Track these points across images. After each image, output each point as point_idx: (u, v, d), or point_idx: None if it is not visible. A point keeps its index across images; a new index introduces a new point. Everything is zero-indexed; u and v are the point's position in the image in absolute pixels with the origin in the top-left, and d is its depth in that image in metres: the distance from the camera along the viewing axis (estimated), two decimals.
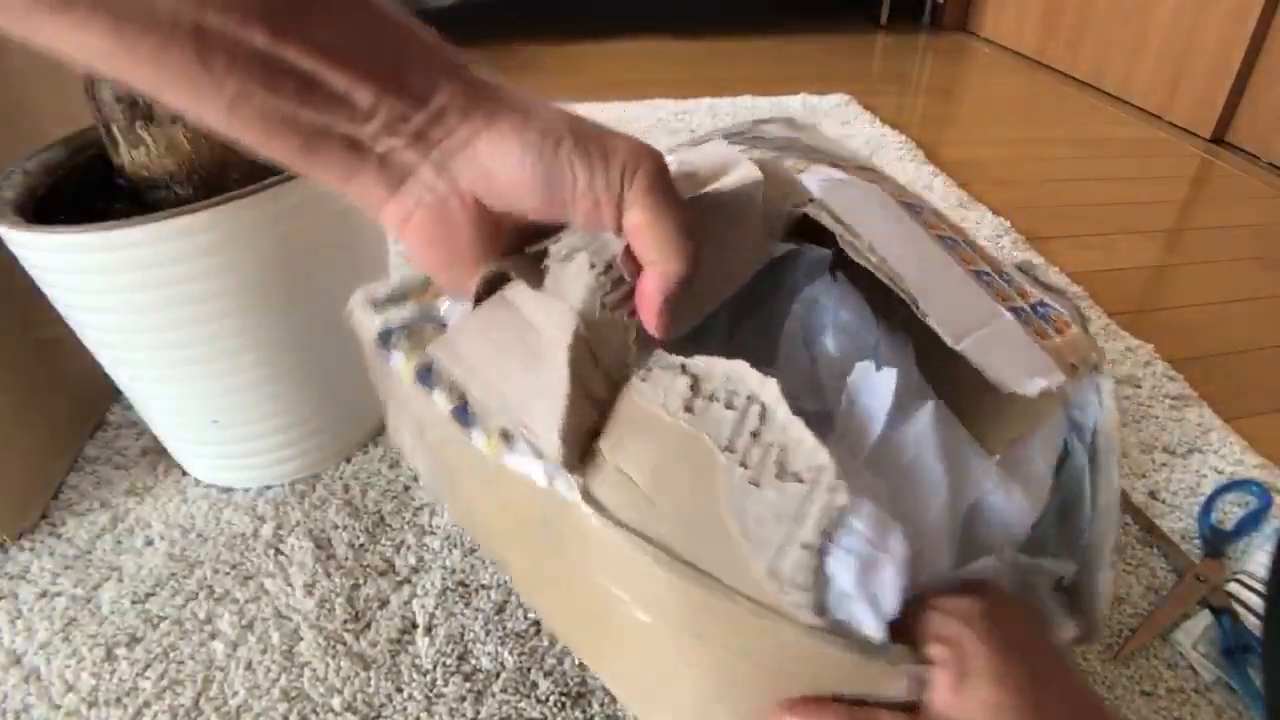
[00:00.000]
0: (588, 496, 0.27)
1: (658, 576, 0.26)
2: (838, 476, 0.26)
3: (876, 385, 0.33)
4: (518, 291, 0.30)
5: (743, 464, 0.26)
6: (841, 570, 0.25)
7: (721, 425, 0.27)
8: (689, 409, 0.28)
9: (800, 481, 0.26)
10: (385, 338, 0.33)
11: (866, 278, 0.34)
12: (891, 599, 0.26)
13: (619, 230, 0.27)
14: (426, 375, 0.31)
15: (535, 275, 0.29)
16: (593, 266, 0.28)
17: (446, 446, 0.32)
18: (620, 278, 0.28)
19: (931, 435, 0.33)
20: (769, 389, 0.27)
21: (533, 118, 0.26)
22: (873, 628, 0.26)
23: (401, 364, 0.32)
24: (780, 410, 0.27)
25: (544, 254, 0.30)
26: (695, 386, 0.28)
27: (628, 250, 0.28)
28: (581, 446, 0.28)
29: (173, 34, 0.22)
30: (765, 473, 0.26)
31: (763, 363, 0.29)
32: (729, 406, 0.27)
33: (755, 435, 0.27)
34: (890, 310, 0.37)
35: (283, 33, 0.23)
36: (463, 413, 0.30)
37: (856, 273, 0.36)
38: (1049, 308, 0.41)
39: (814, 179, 0.38)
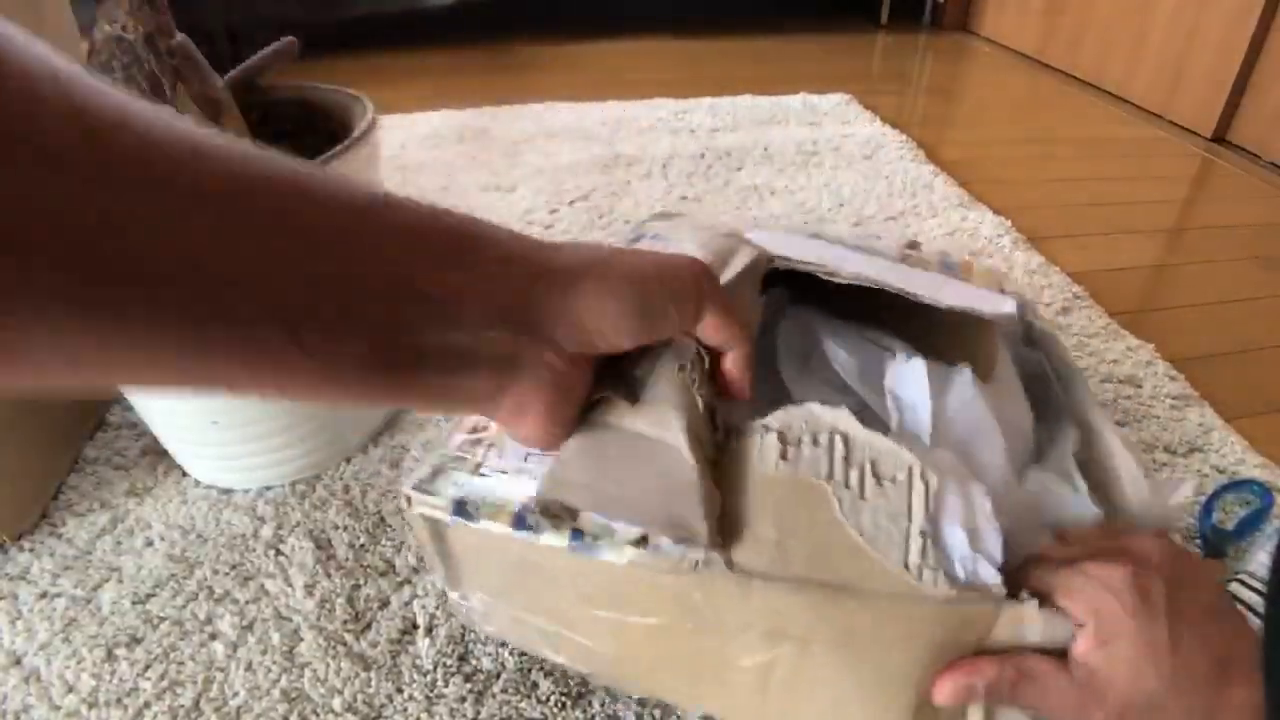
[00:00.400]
0: (734, 565, 0.31)
1: (811, 604, 0.31)
2: (923, 466, 0.32)
3: (909, 376, 0.38)
4: (610, 412, 0.33)
5: (845, 485, 0.32)
6: (955, 541, 0.31)
7: (817, 463, 0.32)
8: (784, 458, 0.33)
9: (895, 482, 0.32)
10: (460, 508, 0.34)
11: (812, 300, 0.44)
12: (997, 549, 0.31)
13: (693, 333, 0.33)
14: (522, 523, 0.33)
15: (632, 393, 0.33)
16: (681, 369, 0.33)
17: (558, 585, 0.35)
18: (697, 372, 0.33)
19: (975, 397, 0.39)
20: (841, 417, 0.34)
21: (607, 271, 0.29)
22: (993, 578, 0.30)
23: (491, 525, 0.34)
24: (857, 431, 0.33)
25: (625, 374, 0.33)
26: (782, 438, 0.33)
27: (704, 346, 0.34)
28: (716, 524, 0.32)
29: (254, 320, 0.22)
30: (866, 486, 0.32)
31: (783, 393, 0.35)
32: (815, 444, 0.33)
33: (846, 459, 0.33)
34: (843, 319, 0.46)
35: (355, 261, 0.24)
36: (579, 540, 0.33)
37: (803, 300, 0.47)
38: (948, 256, 0.50)
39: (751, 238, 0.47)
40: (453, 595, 0.40)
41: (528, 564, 0.35)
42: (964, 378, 0.39)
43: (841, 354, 0.44)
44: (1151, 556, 0.31)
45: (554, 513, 0.33)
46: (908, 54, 1.82)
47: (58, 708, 0.43)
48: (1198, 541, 0.54)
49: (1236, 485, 0.58)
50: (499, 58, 1.68)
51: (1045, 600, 0.31)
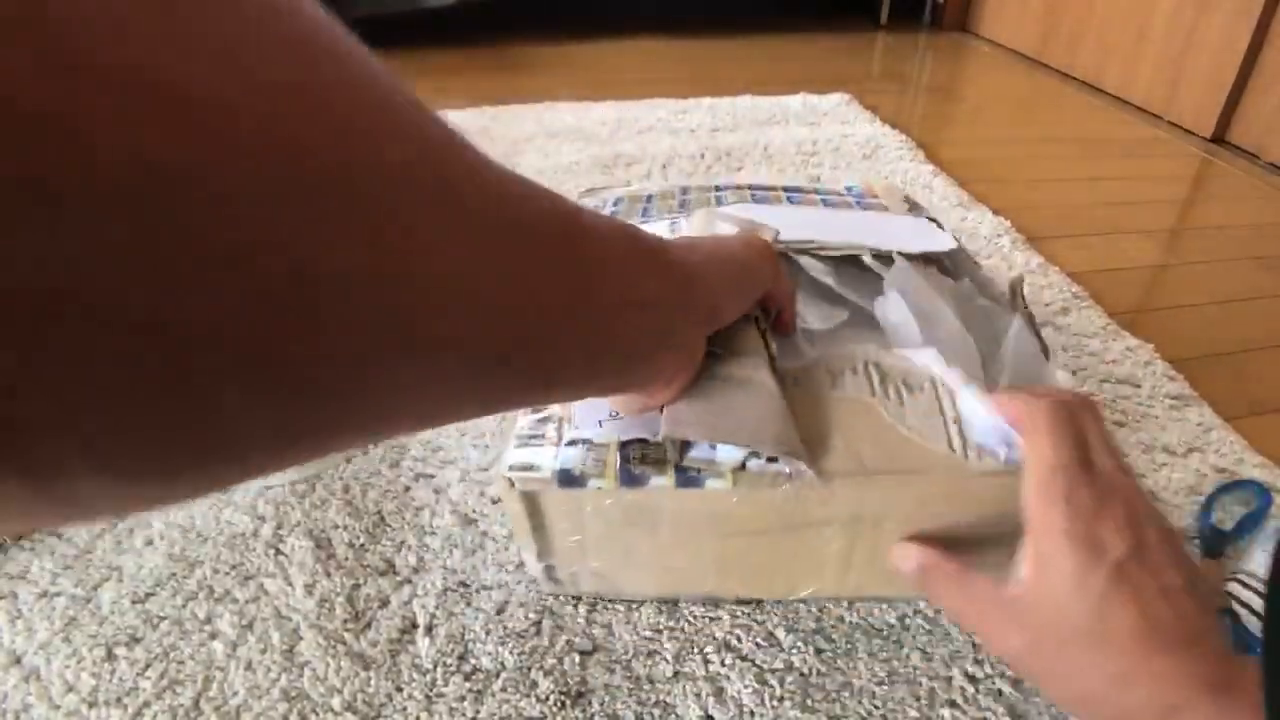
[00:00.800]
0: (825, 473, 0.38)
1: (882, 491, 0.39)
2: (939, 372, 0.42)
3: (893, 306, 0.47)
4: (705, 365, 0.39)
5: (886, 398, 0.41)
6: (981, 426, 0.39)
7: (860, 387, 0.42)
8: (835, 386, 0.42)
9: (923, 390, 0.42)
10: (567, 477, 0.40)
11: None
12: (1005, 426, 0.38)
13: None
14: (630, 478, 0.39)
15: (715, 348, 0.40)
16: (758, 327, 0.42)
17: (658, 525, 0.42)
18: (767, 325, 0.43)
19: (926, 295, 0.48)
20: (870, 350, 0.45)
21: (724, 264, 0.35)
22: (1008, 450, 0.38)
23: (600, 482, 0.39)
24: (884, 358, 0.44)
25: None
26: (830, 371, 0.43)
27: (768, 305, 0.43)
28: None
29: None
30: (903, 397, 0.41)
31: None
32: (854, 373, 0.43)
33: (882, 381, 0.42)
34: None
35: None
36: (685, 476, 0.39)
37: None
38: (864, 200, 0.63)
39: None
40: (536, 567, 0.46)
41: (631, 513, 0.41)
42: (902, 271, 0.50)
43: (814, 261, 0.54)
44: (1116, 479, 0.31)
45: (655, 459, 0.39)
46: (907, 54, 1.82)
47: (57, 707, 0.43)
48: (1196, 541, 0.54)
49: (1235, 485, 0.58)
50: (499, 58, 1.69)
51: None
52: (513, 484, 0.40)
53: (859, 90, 1.43)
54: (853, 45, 1.85)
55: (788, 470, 0.38)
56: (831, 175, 1.09)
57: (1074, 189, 1.12)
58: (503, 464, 0.40)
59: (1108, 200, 1.08)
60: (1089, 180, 1.15)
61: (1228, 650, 0.28)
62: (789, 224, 0.53)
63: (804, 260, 0.52)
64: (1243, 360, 0.75)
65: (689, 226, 0.55)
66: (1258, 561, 0.50)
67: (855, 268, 0.52)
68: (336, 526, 0.54)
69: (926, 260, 0.53)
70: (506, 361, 0.20)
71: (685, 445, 0.40)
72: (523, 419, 0.43)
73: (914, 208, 0.64)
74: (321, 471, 0.58)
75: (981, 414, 0.40)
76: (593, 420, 0.42)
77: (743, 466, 0.39)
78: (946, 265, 0.57)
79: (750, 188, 0.65)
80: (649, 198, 0.65)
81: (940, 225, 0.59)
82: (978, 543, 0.39)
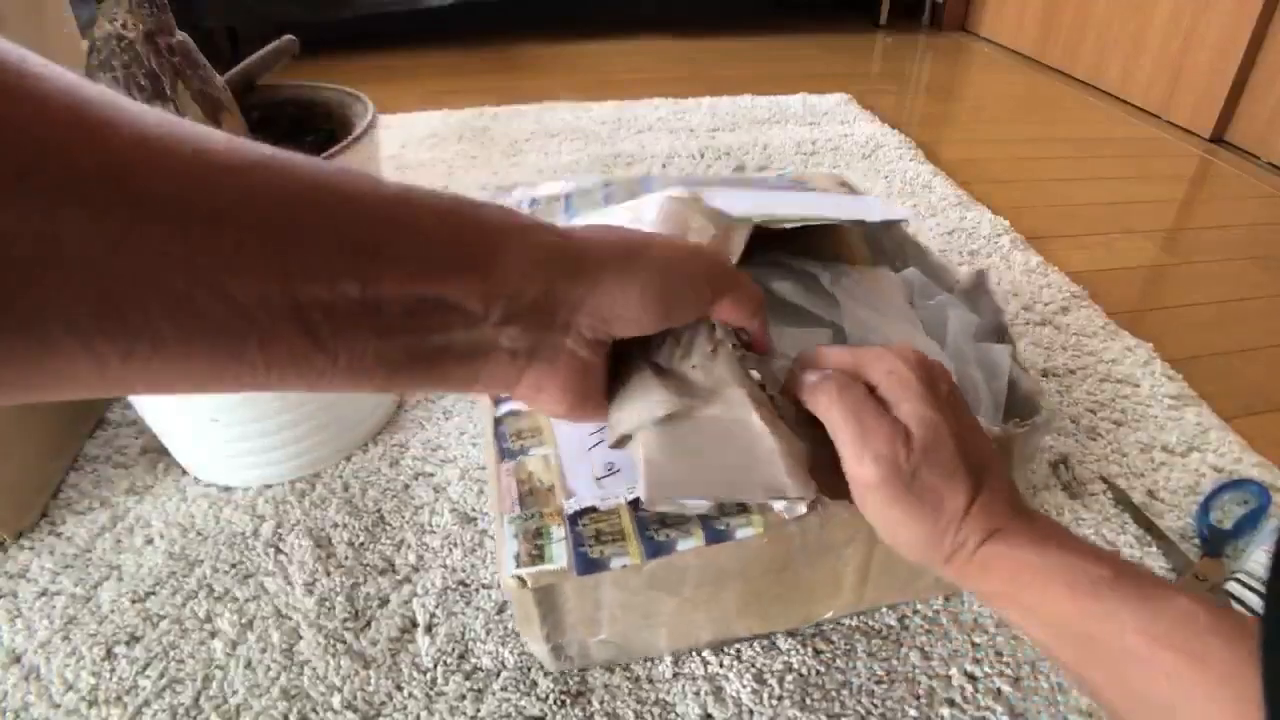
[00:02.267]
0: (823, 501, 0.37)
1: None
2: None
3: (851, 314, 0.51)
4: (681, 404, 0.35)
5: None
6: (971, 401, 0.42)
7: None
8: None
9: None
10: (586, 564, 0.37)
11: None
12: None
13: (710, 315, 0.35)
14: (656, 548, 0.37)
15: (660, 369, 0.35)
16: (735, 348, 0.36)
17: (683, 582, 0.40)
18: (734, 344, 0.37)
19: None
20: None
21: (629, 263, 0.30)
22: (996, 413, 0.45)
23: (625, 559, 0.37)
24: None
25: (654, 351, 0.36)
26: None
27: (723, 324, 0.36)
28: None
29: (274, 325, 0.22)
30: None
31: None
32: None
33: None
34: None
35: (374, 276, 0.23)
36: (714, 532, 0.38)
37: None
38: (783, 174, 0.67)
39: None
40: (542, 649, 0.42)
41: (655, 579, 0.38)
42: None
43: (786, 285, 0.54)
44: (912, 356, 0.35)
45: (677, 519, 0.37)
46: (907, 54, 1.82)
47: (57, 705, 0.43)
48: (1196, 541, 0.54)
49: (1234, 485, 0.58)
50: (499, 58, 1.69)
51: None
52: (524, 582, 0.36)
53: (859, 90, 1.43)
54: (852, 45, 1.85)
55: (809, 500, 0.37)
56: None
57: (1073, 189, 1.12)
58: (506, 561, 0.37)
59: (1107, 200, 1.09)
60: (1088, 180, 1.15)
61: (1009, 479, 0.34)
62: (743, 204, 0.51)
63: (775, 285, 0.51)
64: (1241, 360, 0.75)
65: (638, 214, 0.51)
66: (1256, 561, 0.50)
67: (819, 286, 0.53)
68: (336, 525, 0.54)
69: (878, 256, 0.55)
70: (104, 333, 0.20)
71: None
72: (506, 496, 0.40)
73: (850, 188, 0.66)
74: (321, 470, 0.58)
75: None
76: (587, 481, 0.39)
77: (743, 509, 0.38)
78: (896, 265, 0.58)
79: (682, 183, 0.63)
80: (568, 196, 0.63)
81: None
82: None
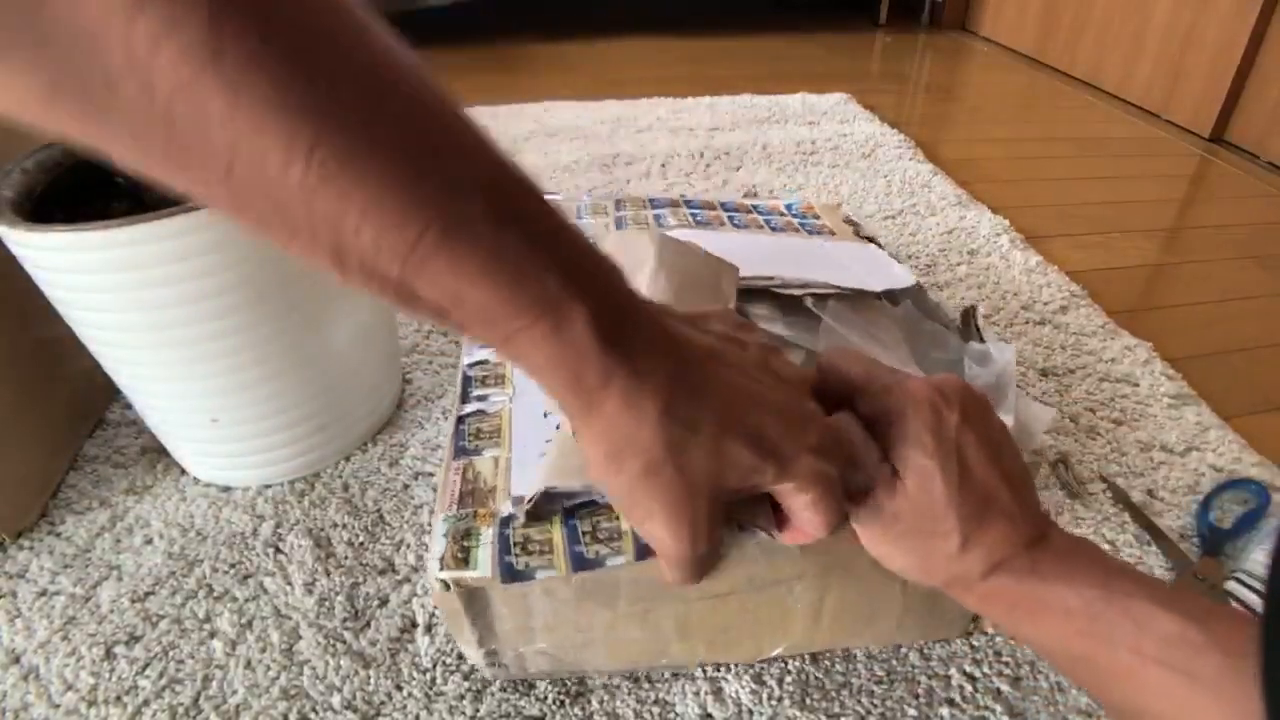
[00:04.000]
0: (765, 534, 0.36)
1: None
2: None
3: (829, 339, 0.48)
4: None
5: None
6: None
7: None
8: None
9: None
10: (511, 573, 0.36)
11: None
12: None
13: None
14: (583, 563, 0.36)
15: None
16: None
17: (616, 599, 0.38)
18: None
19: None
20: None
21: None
22: None
23: (550, 573, 0.35)
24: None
25: None
26: None
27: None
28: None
29: (313, 243, 0.22)
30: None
31: None
32: None
33: None
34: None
35: (415, 274, 0.23)
36: (645, 547, 0.36)
37: None
38: (806, 220, 0.63)
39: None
40: (475, 655, 0.41)
41: (584, 592, 0.37)
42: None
43: (763, 309, 0.51)
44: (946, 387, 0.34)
45: (607, 535, 0.36)
46: (906, 53, 1.82)
47: (56, 706, 0.43)
48: (1195, 540, 0.54)
49: (1234, 484, 0.58)
50: (499, 58, 1.68)
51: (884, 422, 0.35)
52: (448, 586, 0.36)
53: (858, 90, 1.43)
54: (852, 45, 1.85)
55: (762, 534, 0.36)
56: (831, 175, 1.09)
57: (1073, 188, 1.12)
58: (432, 563, 0.36)
59: (1106, 199, 1.09)
60: (1088, 179, 1.15)
61: (1041, 507, 0.33)
62: (744, 257, 0.50)
63: (752, 309, 0.49)
64: (1241, 359, 0.75)
65: (624, 246, 0.49)
66: (1255, 560, 0.50)
67: (802, 311, 0.51)
68: (336, 525, 0.54)
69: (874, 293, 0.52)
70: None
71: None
72: (447, 494, 0.39)
73: (856, 227, 0.64)
74: (321, 469, 0.58)
75: None
76: (527, 478, 0.38)
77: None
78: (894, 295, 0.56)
79: (687, 203, 0.63)
80: (578, 209, 0.62)
81: (880, 245, 0.59)
82: None
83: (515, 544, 0.36)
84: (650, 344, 0.27)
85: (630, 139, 1.20)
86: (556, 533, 0.36)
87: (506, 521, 0.37)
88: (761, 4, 2.18)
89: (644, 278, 0.44)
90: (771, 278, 0.50)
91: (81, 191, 0.50)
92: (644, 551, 0.36)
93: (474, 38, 1.76)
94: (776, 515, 0.34)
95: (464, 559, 0.36)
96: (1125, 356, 0.73)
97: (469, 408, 0.46)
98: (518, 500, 0.37)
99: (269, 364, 0.51)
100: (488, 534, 0.37)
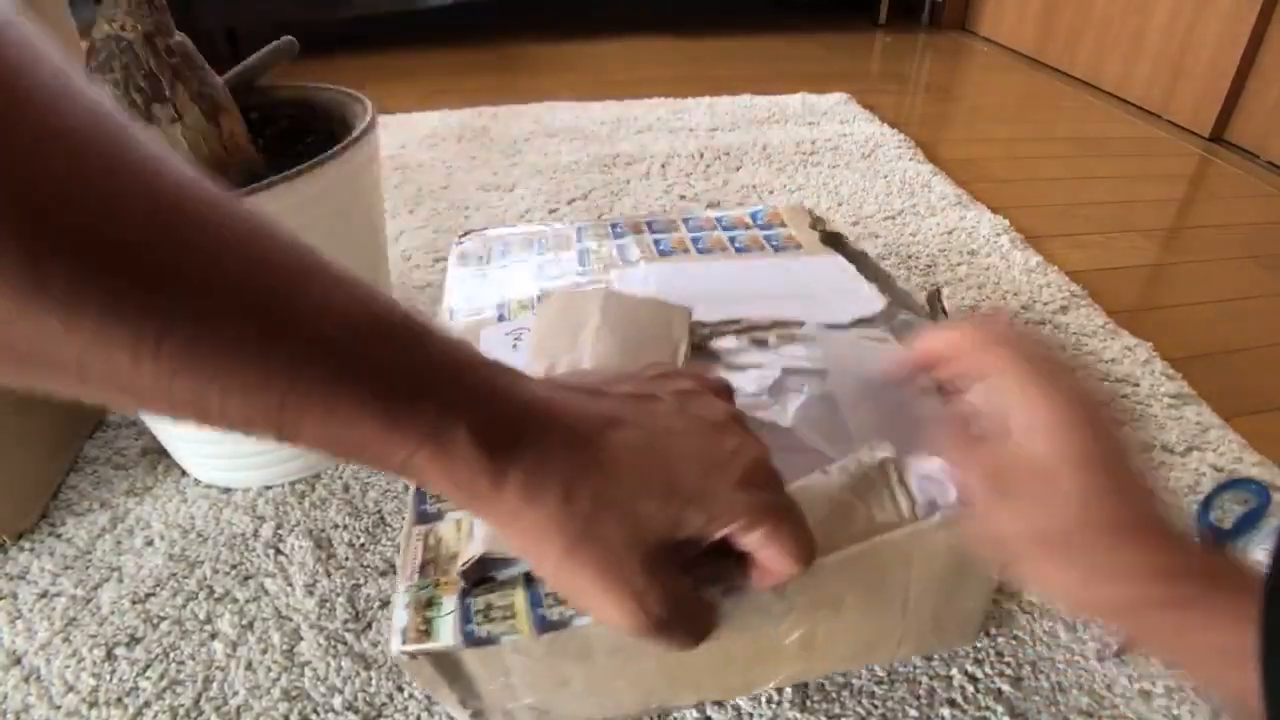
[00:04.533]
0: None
1: (841, 568, 0.36)
2: (871, 449, 0.39)
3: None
4: None
5: (829, 475, 0.38)
6: (920, 485, 0.38)
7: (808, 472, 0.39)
8: None
9: (861, 463, 0.39)
10: (473, 639, 0.34)
11: None
12: (946, 479, 0.38)
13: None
14: (547, 625, 0.34)
15: None
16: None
17: (592, 654, 0.38)
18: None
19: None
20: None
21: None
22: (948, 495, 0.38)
23: (515, 639, 0.34)
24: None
25: None
26: None
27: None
28: None
29: (191, 417, 0.22)
30: (848, 471, 0.38)
31: None
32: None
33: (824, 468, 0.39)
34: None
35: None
36: None
37: None
38: (772, 231, 0.62)
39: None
40: (461, 715, 0.40)
41: (556, 649, 0.36)
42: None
43: (729, 341, 0.50)
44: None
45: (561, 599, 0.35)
46: (906, 53, 1.82)
47: (57, 707, 0.44)
48: (1195, 540, 0.54)
49: (1234, 484, 0.58)
50: (499, 58, 1.68)
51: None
52: (414, 657, 0.35)
53: (858, 90, 1.43)
54: (851, 45, 1.85)
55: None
56: (831, 175, 1.09)
57: (1073, 188, 1.12)
58: (394, 637, 0.35)
59: (1106, 199, 1.09)
60: (1087, 179, 1.15)
61: (1177, 534, 0.30)
62: (706, 291, 0.50)
63: (714, 343, 0.48)
64: (1241, 359, 0.75)
65: (566, 309, 0.48)
66: (1257, 561, 0.50)
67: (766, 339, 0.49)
68: (337, 526, 0.54)
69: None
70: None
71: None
72: (409, 564, 0.38)
73: (822, 225, 0.62)
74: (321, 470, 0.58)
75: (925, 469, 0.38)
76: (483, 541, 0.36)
77: None
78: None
79: (649, 224, 0.62)
80: (540, 243, 0.60)
81: (845, 241, 0.58)
82: None
83: (477, 611, 0.35)
84: (540, 435, 0.27)
85: (630, 139, 1.20)
86: (519, 597, 0.35)
87: (467, 591, 0.36)
88: (761, 4, 2.19)
89: (587, 337, 0.44)
90: (738, 320, 0.49)
91: None
92: None
93: (474, 38, 1.76)
94: (745, 563, 0.33)
95: (426, 631, 0.35)
96: (1125, 356, 0.73)
97: None
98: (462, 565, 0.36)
99: None
100: (449, 603, 0.36)
